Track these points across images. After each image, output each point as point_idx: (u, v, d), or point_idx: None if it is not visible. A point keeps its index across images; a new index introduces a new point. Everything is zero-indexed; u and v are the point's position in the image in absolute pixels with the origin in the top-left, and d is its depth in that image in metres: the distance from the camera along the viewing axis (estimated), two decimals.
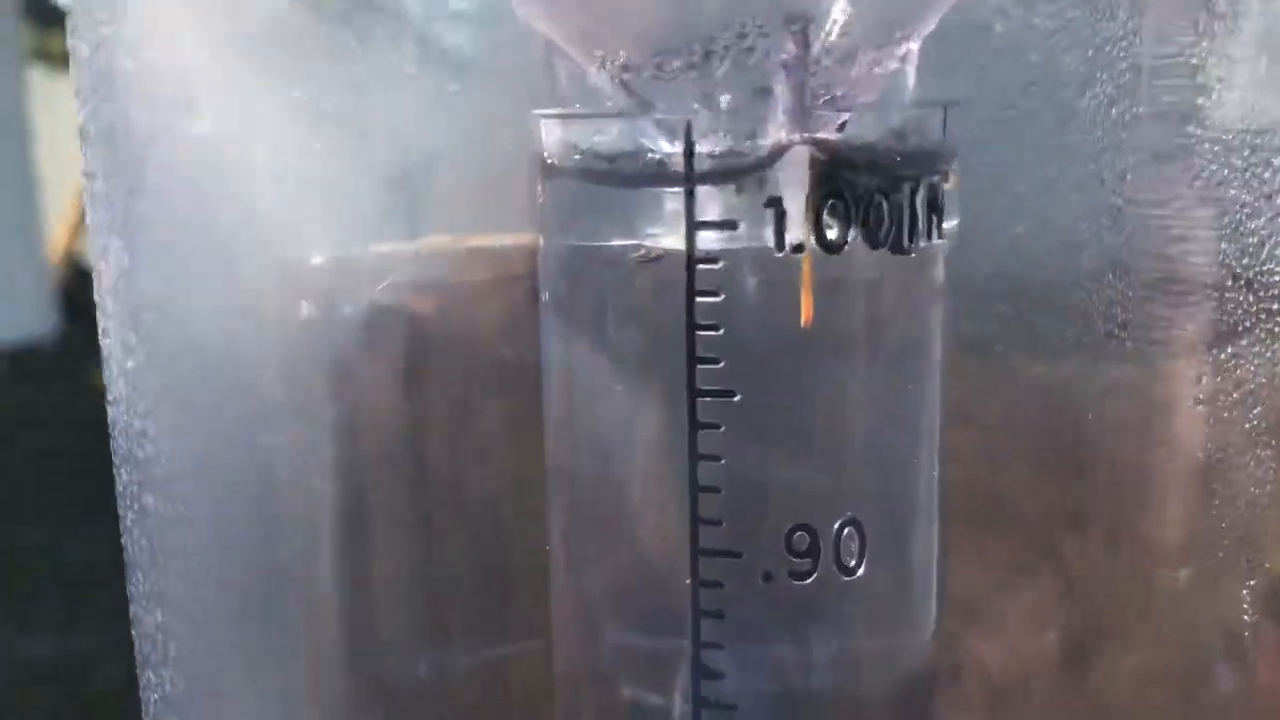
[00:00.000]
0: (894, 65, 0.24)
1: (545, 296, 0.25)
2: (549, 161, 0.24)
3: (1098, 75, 0.30)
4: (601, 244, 0.23)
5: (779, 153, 0.22)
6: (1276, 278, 0.27)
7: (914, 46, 0.24)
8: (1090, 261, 0.30)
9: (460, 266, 0.29)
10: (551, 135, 0.24)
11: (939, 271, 0.24)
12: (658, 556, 0.24)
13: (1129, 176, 0.29)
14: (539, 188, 0.24)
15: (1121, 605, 0.31)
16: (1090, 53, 0.30)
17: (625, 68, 0.23)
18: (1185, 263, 0.29)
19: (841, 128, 0.23)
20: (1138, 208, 0.30)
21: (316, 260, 0.30)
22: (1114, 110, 0.29)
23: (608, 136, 0.23)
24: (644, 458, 0.24)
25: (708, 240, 0.22)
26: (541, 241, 0.24)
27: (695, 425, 0.22)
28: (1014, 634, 0.32)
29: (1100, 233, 0.30)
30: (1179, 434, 0.29)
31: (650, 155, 0.22)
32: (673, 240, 0.22)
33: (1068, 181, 0.30)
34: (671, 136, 0.22)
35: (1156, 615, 0.31)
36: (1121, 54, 0.29)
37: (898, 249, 0.23)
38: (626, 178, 0.23)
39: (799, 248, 0.22)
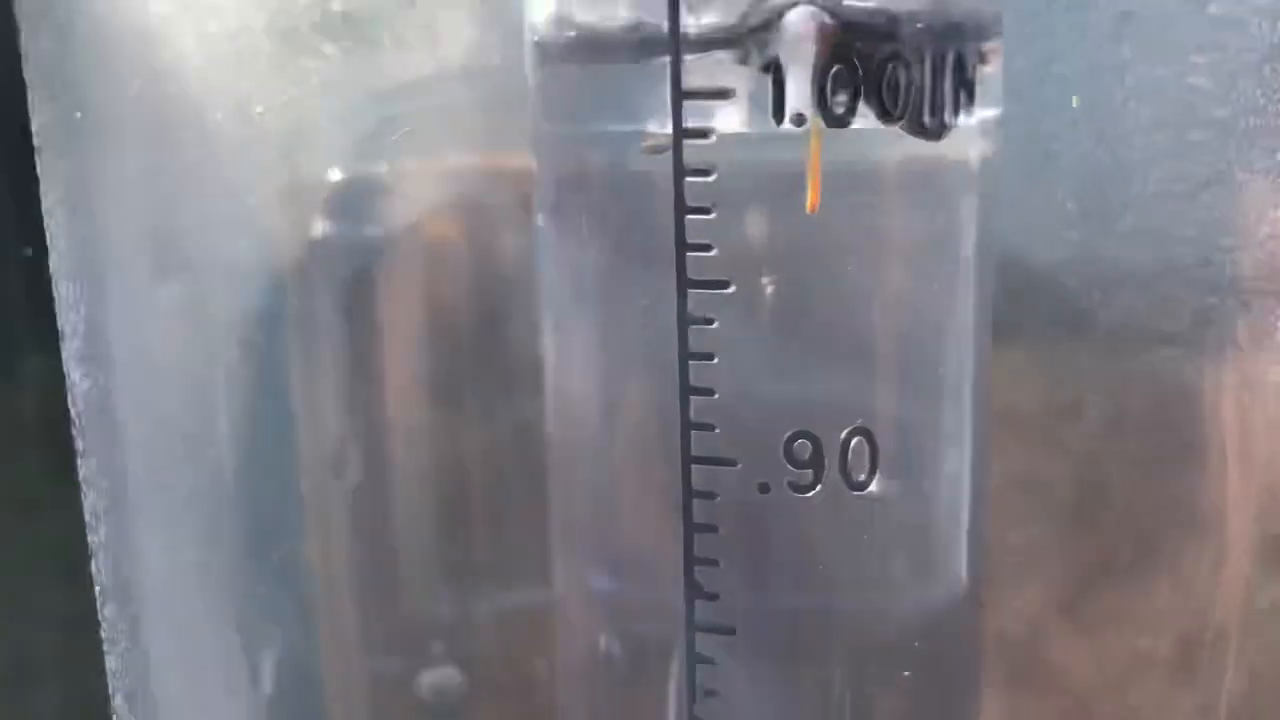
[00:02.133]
0: None
1: (537, 199, 0.23)
2: (534, 40, 0.22)
3: None
4: (585, 129, 0.21)
5: (777, 15, 0.20)
6: None
7: None
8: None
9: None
10: (536, 5, 0.22)
11: (971, 161, 0.21)
12: (650, 469, 0.21)
13: None
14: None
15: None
16: None
17: None
18: None
19: None
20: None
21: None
22: None
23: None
24: (634, 357, 0.22)
25: (697, 114, 0.20)
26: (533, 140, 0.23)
27: (685, 320, 0.20)
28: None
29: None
30: None
31: (634, 21, 0.20)
32: (659, 120, 0.20)
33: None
34: None
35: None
36: None
37: (916, 127, 0.20)
38: (608, 49, 0.20)
39: (799, 119, 0.20)
